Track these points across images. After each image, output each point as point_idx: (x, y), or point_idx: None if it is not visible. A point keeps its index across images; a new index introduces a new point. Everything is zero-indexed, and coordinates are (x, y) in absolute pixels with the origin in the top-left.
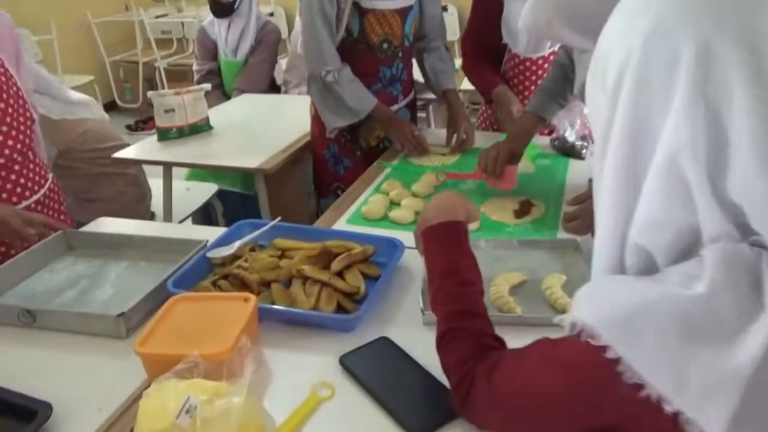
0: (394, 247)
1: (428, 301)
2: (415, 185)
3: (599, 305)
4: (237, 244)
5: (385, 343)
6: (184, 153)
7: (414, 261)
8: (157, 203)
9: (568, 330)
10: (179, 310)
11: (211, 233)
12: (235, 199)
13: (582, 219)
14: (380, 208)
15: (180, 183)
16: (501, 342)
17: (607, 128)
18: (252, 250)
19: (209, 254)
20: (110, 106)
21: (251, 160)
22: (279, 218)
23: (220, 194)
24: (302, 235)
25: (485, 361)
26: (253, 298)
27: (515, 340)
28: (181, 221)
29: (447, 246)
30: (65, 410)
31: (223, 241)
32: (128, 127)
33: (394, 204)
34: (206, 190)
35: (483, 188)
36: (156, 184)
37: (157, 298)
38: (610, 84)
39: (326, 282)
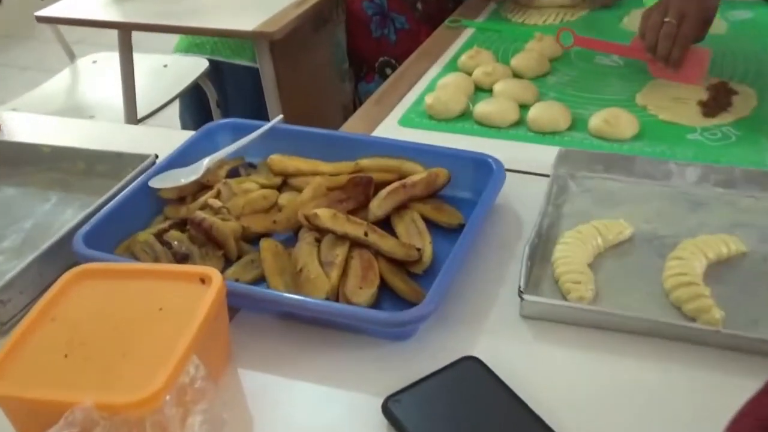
0: (485, 169)
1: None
2: (516, 57)
3: None
4: (204, 163)
5: (472, 369)
6: (145, 9)
7: (522, 195)
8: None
9: None
10: (80, 297)
11: (176, 140)
12: (239, 79)
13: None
14: (457, 99)
15: (156, 59)
16: None
17: None
18: (233, 174)
19: (153, 182)
20: None
21: (246, 19)
22: (280, 117)
23: (216, 72)
24: (321, 147)
25: None
26: (215, 277)
27: (705, 374)
28: (142, 119)
29: None
30: None
31: (179, 159)
32: None
33: (480, 91)
34: (193, 67)
35: (639, 69)
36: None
37: (56, 264)
38: None
39: (360, 240)
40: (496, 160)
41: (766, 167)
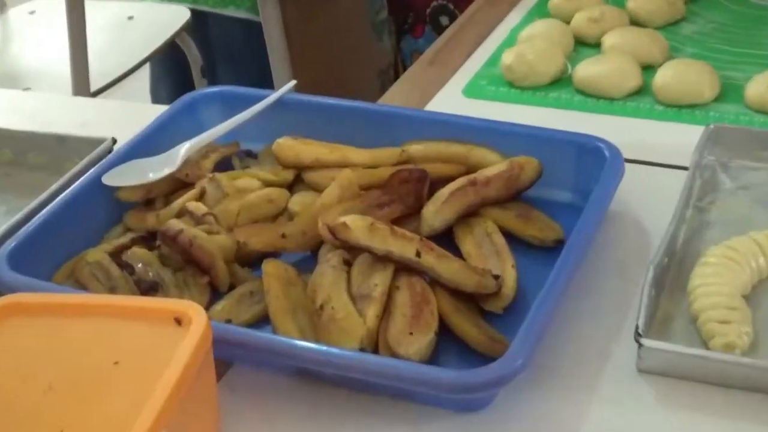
0: (593, 159)
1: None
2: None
3: None
4: (182, 151)
5: None
6: None
7: (648, 196)
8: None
9: None
10: (7, 343)
11: (143, 119)
12: (233, 35)
13: None
14: (549, 57)
15: (118, 8)
16: None
17: None
18: (223, 167)
19: (109, 178)
20: None
21: None
22: (292, 83)
23: (201, 26)
24: (351, 127)
25: None
26: (197, 315)
27: None
28: (97, 91)
29: None
30: None
31: (146, 144)
32: None
33: (583, 45)
34: (168, 19)
35: None
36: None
37: None
38: None
39: (410, 263)
40: (610, 146)
41: None
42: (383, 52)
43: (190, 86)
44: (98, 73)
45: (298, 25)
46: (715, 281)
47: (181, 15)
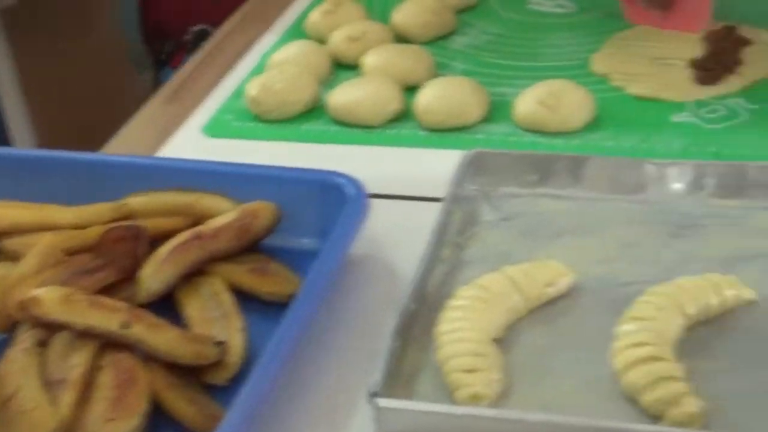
0: (334, 198)
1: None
2: (401, 9)
3: None
4: None
5: None
6: None
7: (405, 235)
8: None
9: None
10: None
11: None
12: None
13: None
14: (301, 84)
15: None
16: None
17: None
18: None
19: None
20: None
21: None
22: None
23: None
24: (66, 181)
25: None
26: None
27: None
28: None
29: None
30: None
31: None
32: None
33: (343, 68)
34: None
35: (601, 15)
36: None
37: None
38: None
39: (115, 337)
40: (352, 182)
41: None
42: (144, 87)
43: None
44: None
45: (33, 61)
46: (462, 326)
47: None
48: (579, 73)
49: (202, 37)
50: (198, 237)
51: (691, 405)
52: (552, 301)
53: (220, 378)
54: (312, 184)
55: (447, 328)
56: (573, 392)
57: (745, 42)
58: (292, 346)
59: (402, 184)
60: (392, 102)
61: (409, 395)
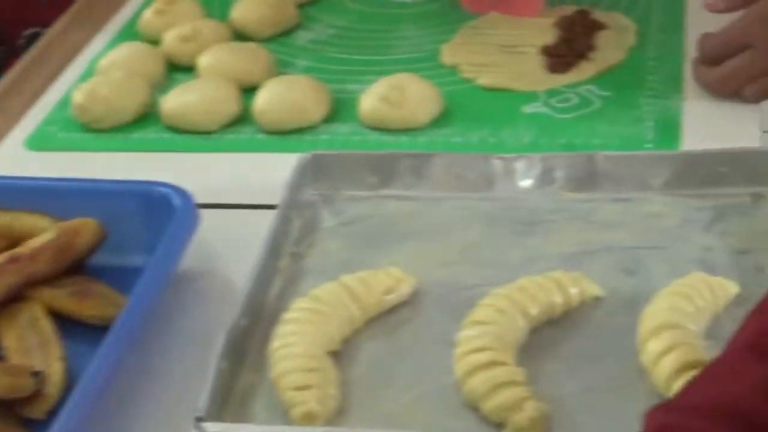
0: (165, 210)
1: None
2: (240, 4)
3: None
4: None
5: None
6: None
7: (240, 246)
8: None
9: None
10: None
11: None
12: None
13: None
14: (131, 89)
15: None
16: None
17: None
18: None
19: None
20: None
21: None
22: None
23: None
24: None
25: None
26: None
27: None
28: None
29: None
30: None
31: None
32: None
33: (177, 71)
34: None
35: (448, 5)
36: None
37: None
38: None
39: None
40: (179, 192)
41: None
42: None
43: None
44: None
45: None
46: (294, 341)
47: None
48: (429, 65)
49: (36, 40)
50: (14, 260)
51: (532, 409)
52: (393, 309)
53: (38, 411)
54: (136, 197)
55: (279, 343)
56: (413, 404)
57: (599, 26)
58: (111, 373)
59: (239, 192)
60: (228, 105)
61: (241, 417)
